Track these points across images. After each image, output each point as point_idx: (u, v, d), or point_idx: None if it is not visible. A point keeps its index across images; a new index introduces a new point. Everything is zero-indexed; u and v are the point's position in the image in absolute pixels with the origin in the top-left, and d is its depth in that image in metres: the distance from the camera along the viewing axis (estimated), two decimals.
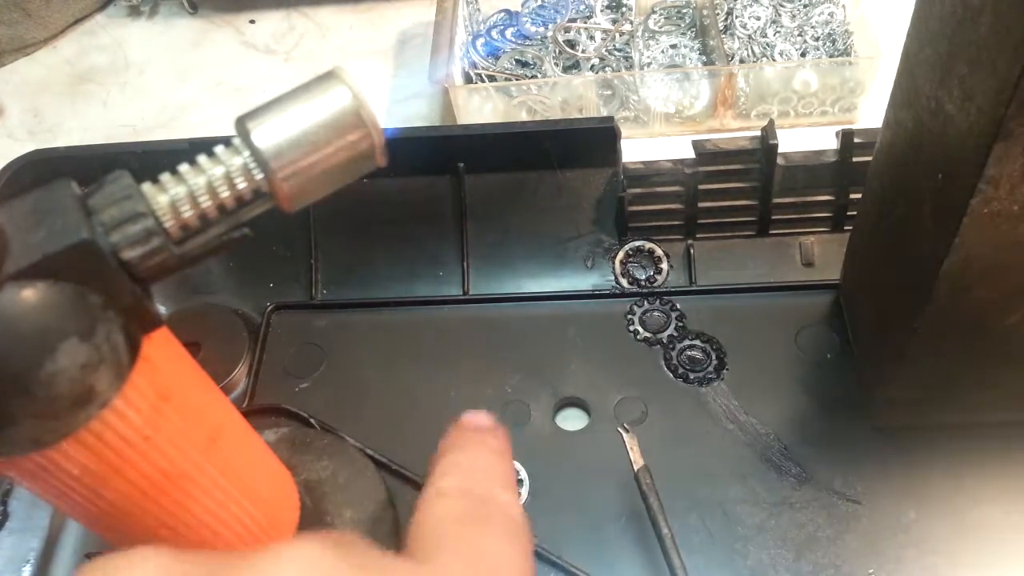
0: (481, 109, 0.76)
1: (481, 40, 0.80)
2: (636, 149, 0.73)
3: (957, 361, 0.48)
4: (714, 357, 0.59)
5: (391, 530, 0.51)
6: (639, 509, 0.50)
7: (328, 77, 0.30)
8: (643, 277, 0.63)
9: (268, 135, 0.29)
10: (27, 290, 0.27)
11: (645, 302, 0.62)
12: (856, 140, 0.59)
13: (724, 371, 0.58)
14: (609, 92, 0.75)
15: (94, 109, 0.87)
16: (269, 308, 0.65)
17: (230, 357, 0.62)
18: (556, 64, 0.78)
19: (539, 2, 0.83)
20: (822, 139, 0.67)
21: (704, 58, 0.77)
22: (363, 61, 0.88)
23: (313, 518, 0.48)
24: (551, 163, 0.62)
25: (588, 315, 0.62)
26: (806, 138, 0.70)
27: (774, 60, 0.76)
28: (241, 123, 0.30)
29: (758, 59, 0.76)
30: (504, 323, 0.63)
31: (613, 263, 0.64)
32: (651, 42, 0.79)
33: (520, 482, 0.54)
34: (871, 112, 0.74)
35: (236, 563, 0.23)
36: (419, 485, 0.54)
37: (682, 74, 0.74)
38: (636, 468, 0.50)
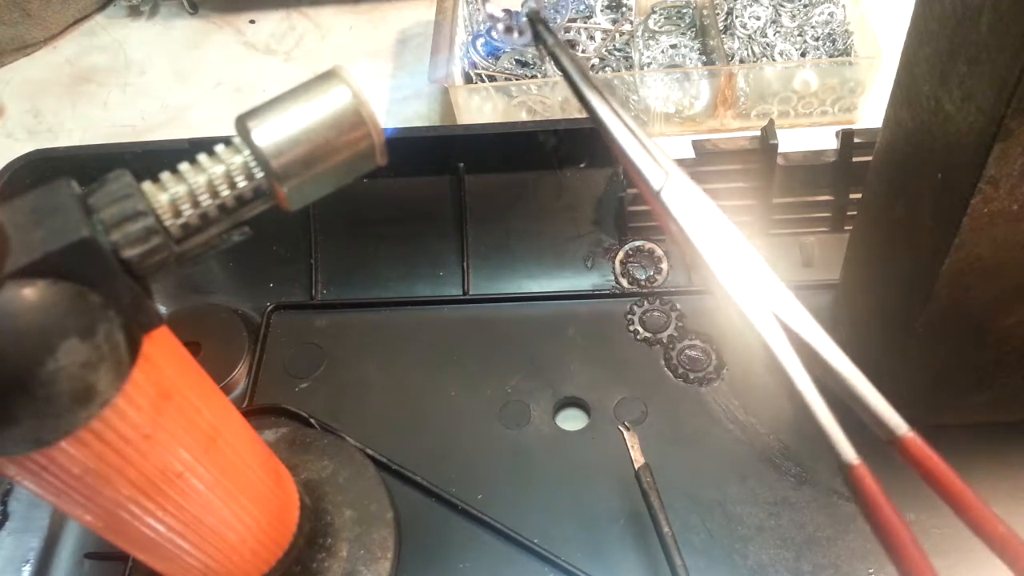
0: (481, 109, 0.76)
1: (481, 40, 0.80)
2: None
3: (957, 361, 0.48)
4: (714, 357, 0.59)
5: (391, 530, 0.51)
6: (639, 509, 0.50)
7: (328, 76, 0.30)
8: (643, 277, 0.63)
9: (268, 134, 0.29)
10: (27, 288, 0.27)
11: (645, 302, 0.62)
12: (856, 140, 0.59)
13: (724, 371, 0.58)
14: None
15: (94, 109, 0.87)
16: (269, 308, 0.65)
17: (230, 357, 0.62)
18: None
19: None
20: (822, 139, 0.67)
21: (704, 58, 0.77)
22: (363, 61, 0.88)
23: (313, 517, 0.48)
24: (551, 163, 0.62)
25: (588, 315, 0.62)
26: (806, 138, 0.70)
27: (774, 60, 0.76)
28: (241, 122, 0.30)
29: (758, 59, 0.76)
30: (504, 323, 0.63)
31: (613, 263, 0.64)
32: (651, 42, 0.79)
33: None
34: (871, 112, 0.74)
35: None
36: (419, 485, 0.54)
37: (682, 74, 0.74)
38: (637, 466, 0.50)
